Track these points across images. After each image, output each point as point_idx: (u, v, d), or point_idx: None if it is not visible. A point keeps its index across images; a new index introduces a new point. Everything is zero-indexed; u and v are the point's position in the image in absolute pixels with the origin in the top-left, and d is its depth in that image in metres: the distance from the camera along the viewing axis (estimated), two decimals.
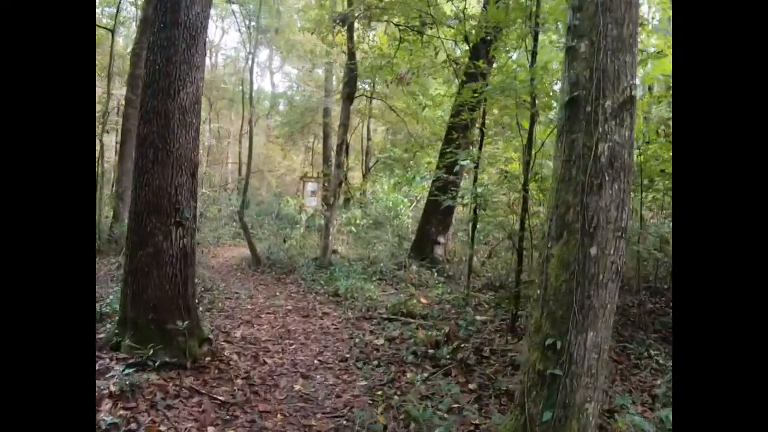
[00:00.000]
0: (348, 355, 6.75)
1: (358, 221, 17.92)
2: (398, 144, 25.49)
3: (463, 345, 6.78)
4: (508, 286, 11.56)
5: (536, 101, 7.29)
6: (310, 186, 24.60)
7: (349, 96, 14.39)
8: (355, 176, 30.15)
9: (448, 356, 6.39)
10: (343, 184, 14.57)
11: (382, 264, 13.53)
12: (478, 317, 8.82)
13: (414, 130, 20.78)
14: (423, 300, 10.35)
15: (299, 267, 13.87)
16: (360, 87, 17.13)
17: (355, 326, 8.28)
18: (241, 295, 10.92)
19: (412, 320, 8.66)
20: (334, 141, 29.55)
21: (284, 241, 15.46)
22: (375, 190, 25.39)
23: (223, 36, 59.12)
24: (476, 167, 9.33)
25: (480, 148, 9.37)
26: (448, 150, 11.27)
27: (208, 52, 33.64)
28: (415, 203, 20.53)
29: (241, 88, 25.32)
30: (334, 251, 15.33)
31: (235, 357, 6.38)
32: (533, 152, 7.24)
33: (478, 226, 9.47)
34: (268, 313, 9.31)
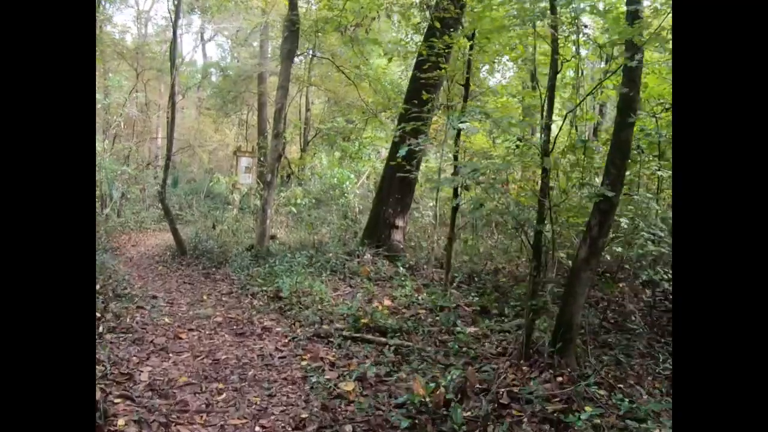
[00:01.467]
0: (305, 416, 4.51)
1: (298, 200, 15.69)
2: (343, 113, 23.24)
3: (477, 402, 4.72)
4: (486, 279, 9.64)
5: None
6: (244, 161, 22.11)
7: (289, 54, 12.12)
8: (292, 150, 27.79)
9: (463, 425, 4.17)
10: (281, 158, 12.34)
11: (329, 253, 11.41)
12: (467, 329, 6.86)
13: (364, 96, 18.59)
14: (387, 302, 8.35)
15: (232, 257, 11.65)
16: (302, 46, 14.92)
17: (308, 352, 6.11)
18: (159, 300, 8.70)
19: (382, 338, 6.62)
20: (269, 112, 27.34)
21: (213, 227, 13.14)
22: (313, 166, 23.29)
23: (153, 4, 55.46)
24: (457, 136, 7.30)
25: (463, 109, 7.30)
26: (411, 113, 9.17)
27: (136, 19, 31.51)
28: (363, 179, 18.44)
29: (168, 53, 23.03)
30: (273, 237, 13.15)
31: None
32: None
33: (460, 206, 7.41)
34: (191, 329, 7.13)
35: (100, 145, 20.88)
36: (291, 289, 8.63)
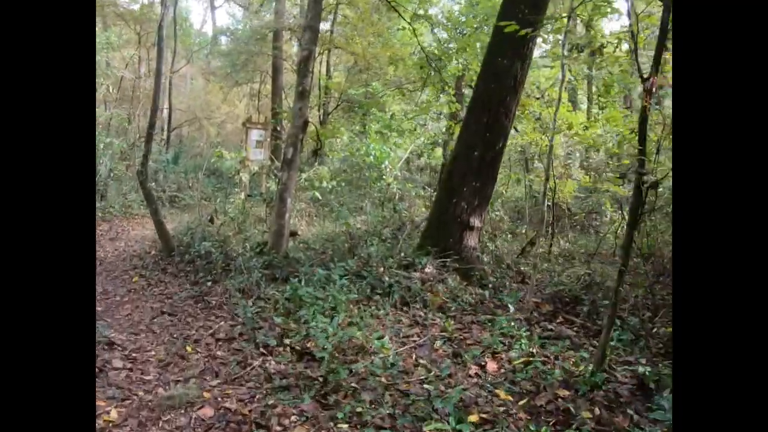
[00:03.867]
0: None
1: (324, 183, 12.13)
2: (369, 82, 19.72)
3: None
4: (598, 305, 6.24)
5: None
6: (255, 134, 18.55)
7: None
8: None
9: None
10: (307, 127, 8.69)
11: (374, 261, 7.96)
12: None
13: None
14: (492, 366, 5.01)
15: (236, 265, 8.16)
16: None
17: None
18: (116, 353, 5.33)
19: None
20: (285, 79, 23.86)
21: (211, 221, 9.52)
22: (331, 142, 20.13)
23: None
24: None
25: None
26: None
27: None
28: (406, 157, 14.90)
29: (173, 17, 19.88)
30: (293, 234, 9.68)
31: None
32: None
33: None
34: None
35: None
36: (330, 342, 5.18)
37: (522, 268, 8.70)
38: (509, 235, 11.56)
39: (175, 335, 5.97)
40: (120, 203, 14.59)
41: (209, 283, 7.87)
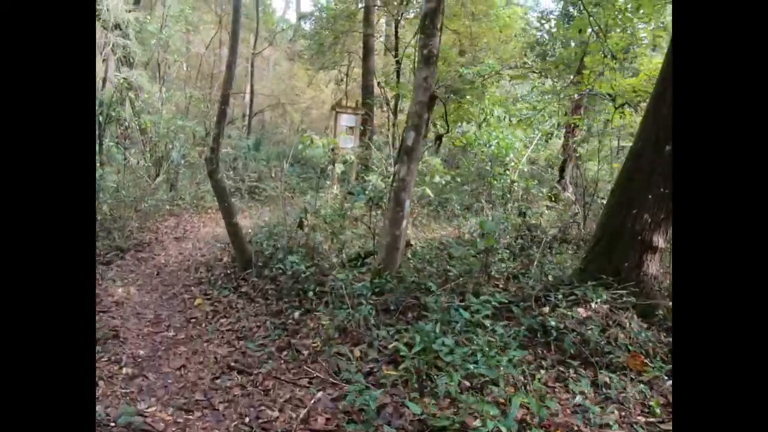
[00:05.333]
0: None
1: (436, 178, 9.80)
2: (471, 63, 17.31)
3: None
4: None
5: None
6: (345, 119, 16.43)
7: None
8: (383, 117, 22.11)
9: None
10: (434, 105, 6.28)
11: (526, 289, 5.67)
12: None
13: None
14: None
15: (333, 289, 5.93)
16: None
17: None
18: None
19: None
20: (377, 61, 21.73)
21: (300, 226, 7.26)
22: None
23: None
24: None
25: None
26: None
27: None
28: (534, 145, 12.42)
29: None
30: (408, 244, 7.39)
31: None
32: None
33: None
34: None
35: (156, 89, 15.68)
36: None
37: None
38: None
39: (247, 419, 3.77)
40: (191, 194, 12.61)
41: (297, 314, 5.69)
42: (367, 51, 20.26)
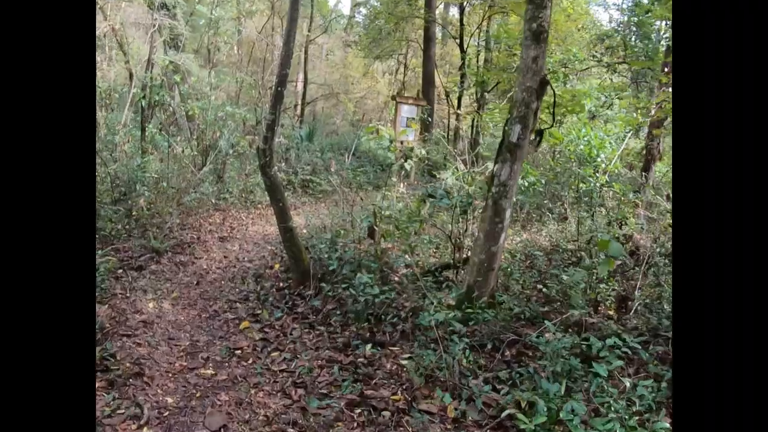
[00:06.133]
0: None
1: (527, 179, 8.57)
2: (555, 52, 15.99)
3: None
4: None
5: None
6: (406, 110, 15.17)
7: None
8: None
9: None
10: (545, 91, 5.04)
11: (644, 313, 4.43)
12: None
13: None
14: None
15: (412, 327, 4.72)
16: None
17: None
18: None
19: None
20: (438, 50, 20.50)
21: (371, 235, 6.00)
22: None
23: None
24: None
25: None
26: None
27: None
28: (624, 144, 10.99)
29: None
30: None
31: None
32: None
33: None
34: None
35: (204, 74, 14.62)
36: None
37: None
38: None
39: None
40: (239, 187, 11.47)
41: (367, 348, 4.47)
42: (427, 40, 19.10)
